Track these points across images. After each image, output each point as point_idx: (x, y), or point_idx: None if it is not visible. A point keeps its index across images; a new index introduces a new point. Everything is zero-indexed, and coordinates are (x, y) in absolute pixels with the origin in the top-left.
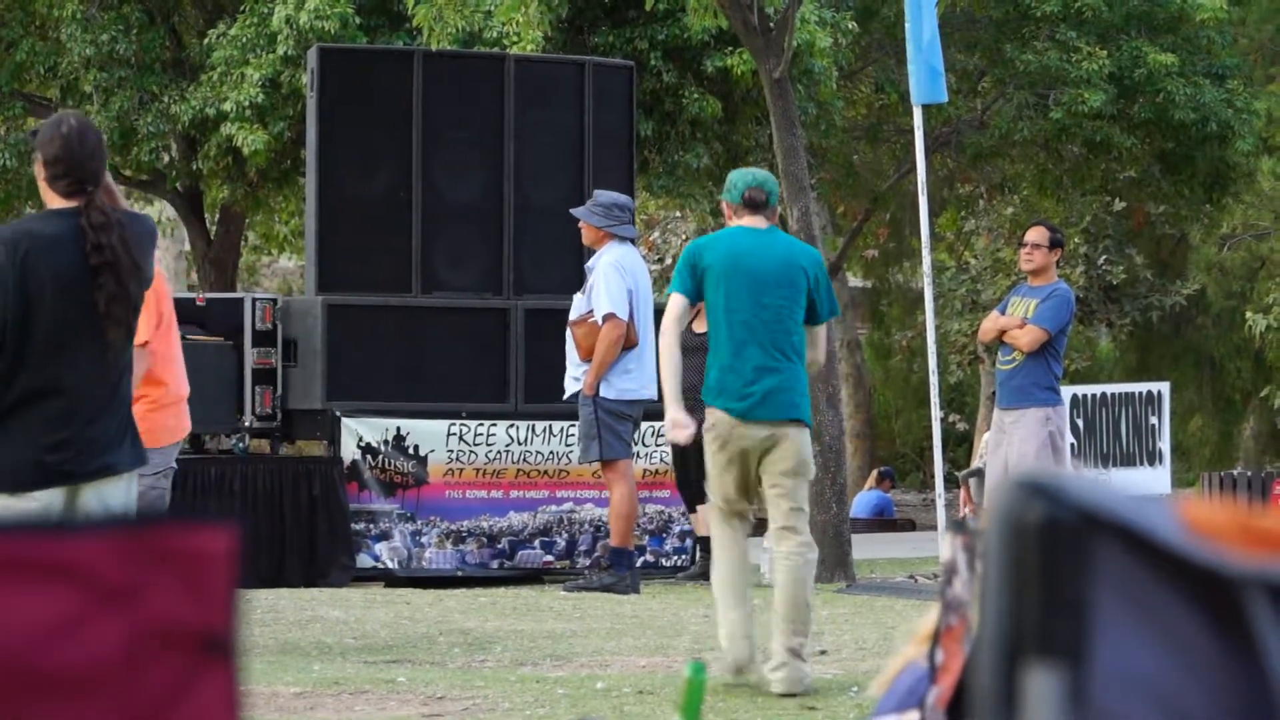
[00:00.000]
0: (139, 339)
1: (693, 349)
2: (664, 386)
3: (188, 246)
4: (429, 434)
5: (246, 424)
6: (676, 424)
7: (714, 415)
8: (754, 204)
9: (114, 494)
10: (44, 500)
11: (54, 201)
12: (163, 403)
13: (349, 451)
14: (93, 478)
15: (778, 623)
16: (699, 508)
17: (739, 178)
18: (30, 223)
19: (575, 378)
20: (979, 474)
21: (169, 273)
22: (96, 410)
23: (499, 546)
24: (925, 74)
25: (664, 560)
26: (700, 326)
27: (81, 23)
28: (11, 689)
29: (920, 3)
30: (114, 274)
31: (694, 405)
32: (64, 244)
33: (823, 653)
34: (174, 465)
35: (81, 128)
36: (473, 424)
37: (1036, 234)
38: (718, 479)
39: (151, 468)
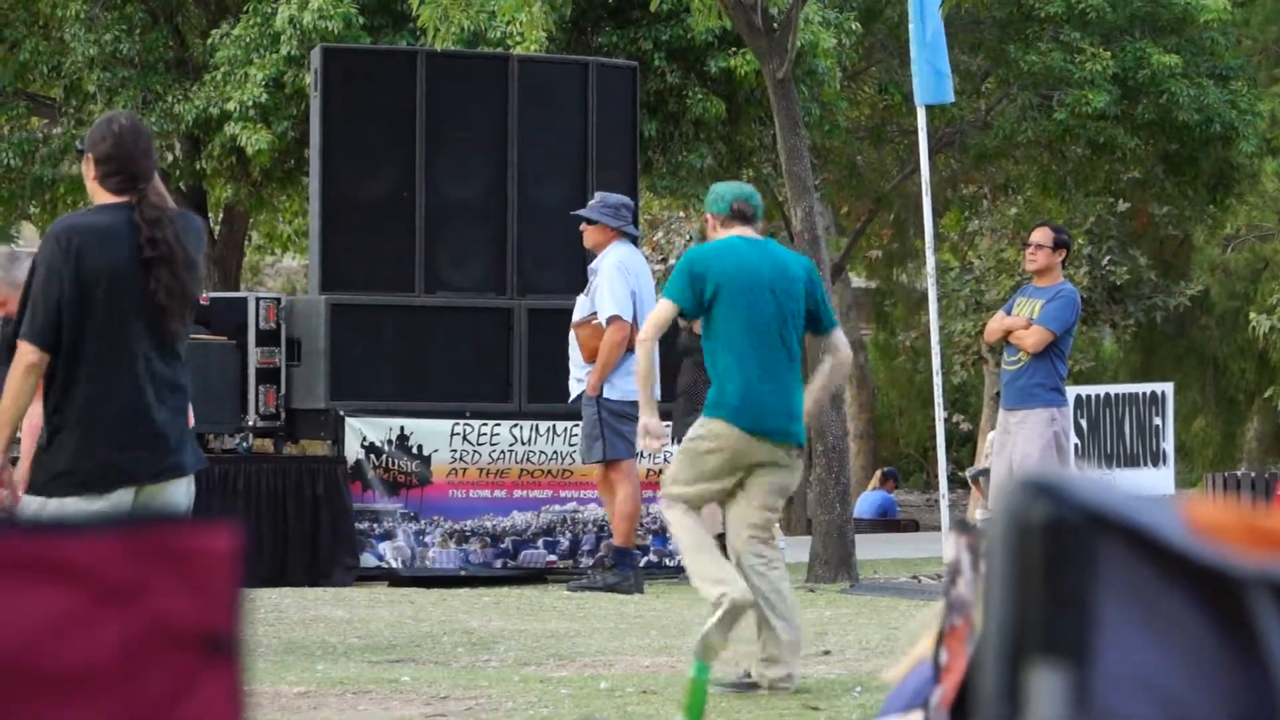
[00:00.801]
0: None
1: (693, 349)
2: (640, 392)
3: None
4: (432, 433)
5: (250, 423)
6: (650, 431)
7: (717, 425)
8: (744, 216)
9: (178, 494)
10: (113, 501)
11: (104, 199)
12: None
13: (353, 451)
14: (161, 478)
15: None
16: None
17: (726, 190)
18: (81, 217)
19: (579, 379)
20: (987, 473)
21: None
22: (160, 408)
23: (502, 546)
24: (930, 75)
25: (667, 560)
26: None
27: (85, 22)
28: (13, 689)
29: (924, 3)
30: (169, 267)
31: (697, 402)
32: (118, 237)
33: (826, 653)
34: None
35: (133, 125)
36: (476, 424)
37: (1041, 234)
38: (703, 485)
39: None
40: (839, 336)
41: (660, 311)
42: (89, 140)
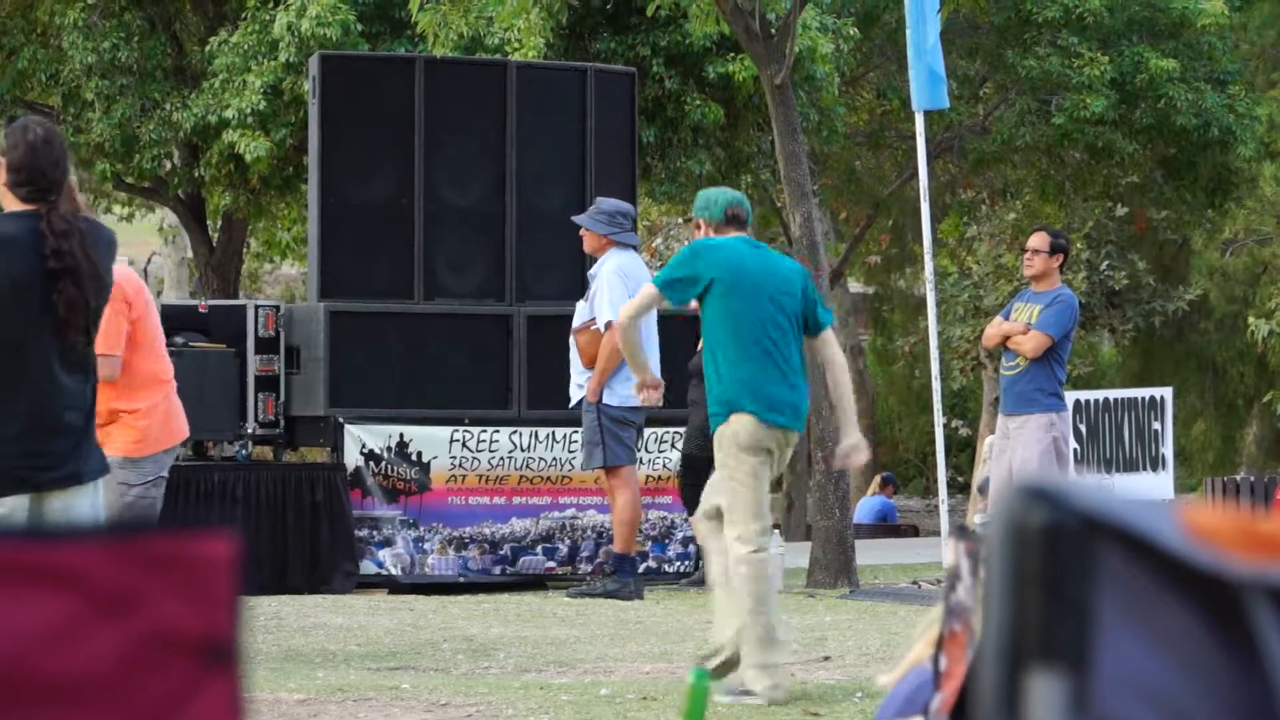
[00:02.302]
0: (106, 349)
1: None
2: (632, 360)
3: (190, 253)
4: (432, 440)
5: (249, 431)
6: (648, 384)
7: (742, 422)
8: (737, 220)
9: (80, 503)
10: (9, 506)
11: (13, 206)
12: (149, 411)
13: (352, 458)
14: (58, 485)
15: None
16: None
17: (718, 196)
18: None
19: (579, 385)
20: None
21: (171, 280)
22: (59, 417)
23: (501, 553)
24: (927, 79)
25: (666, 566)
26: None
27: (83, 30)
28: (10, 698)
29: (922, 8)
30: (73, 279)
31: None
32: (21, 246)
33: (826, 658)
34: (164, 475)
35: (48, 135)
36: (475, 430)
37: (1037, 239)
38: (751, 492)
39: (140, 475)
40: (828, 336)
41: (646, 297)
42: (4, 145)
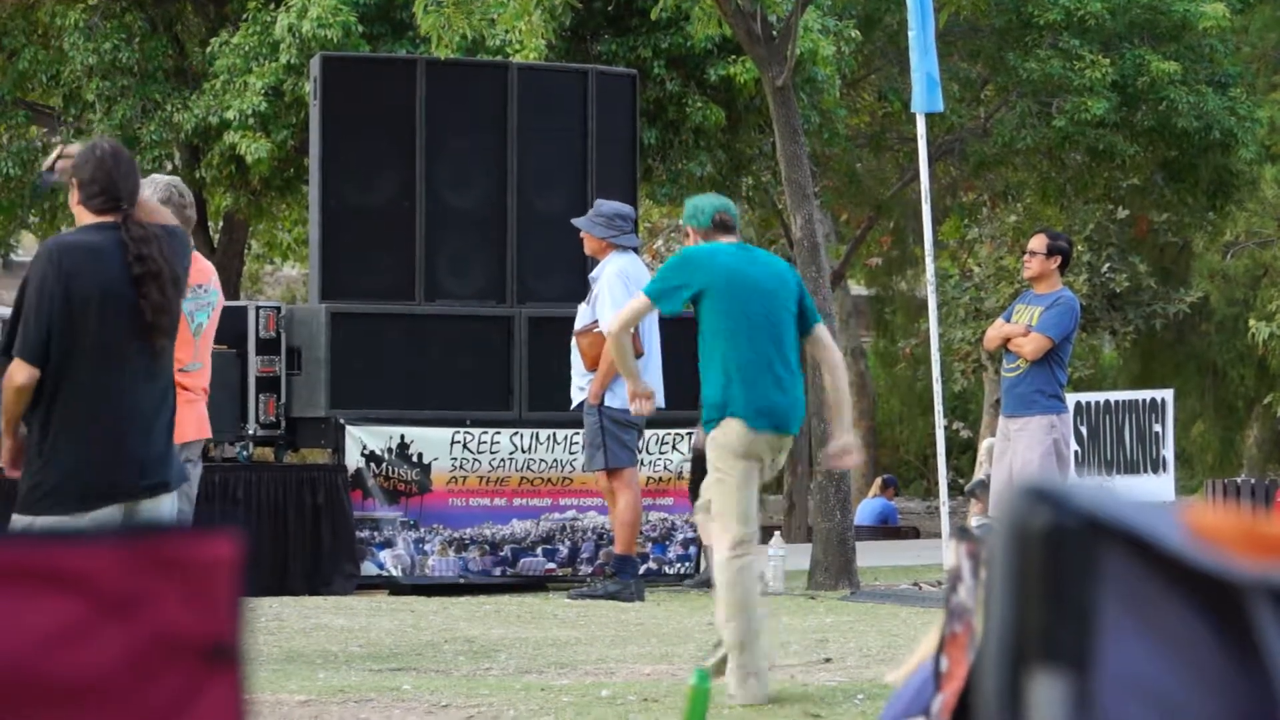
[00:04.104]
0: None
1: None
2: (622, 368)
3: None
4: (433, 442)
5: (250, 432)
6: (640, 393)
7: (732, 427)
8: (726, 226)
9: (165, 510)
10: (102, 519)
11: (88, 220)
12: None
13: (353, 459)
14: (150, 494)
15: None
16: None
17: (705, 203)
18: (69, 236)
19: (581, 387)
20: (985, 484)
21: None
22: (149, 424)
23: (501, 554)
24: (925, 83)
25: (667, 568)
26: None
27: (84, 31)
28: (15, 698)
29: (924, 11)
30: (157, 284)
31: None
32: (107, 255)
33: (827, 660)
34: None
35: (114, 149)
36: (476, 432)
37: (1036, 242)
38: (739, 495)
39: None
40: (823, 336)
41: (636, 307)
42: (73, 166)
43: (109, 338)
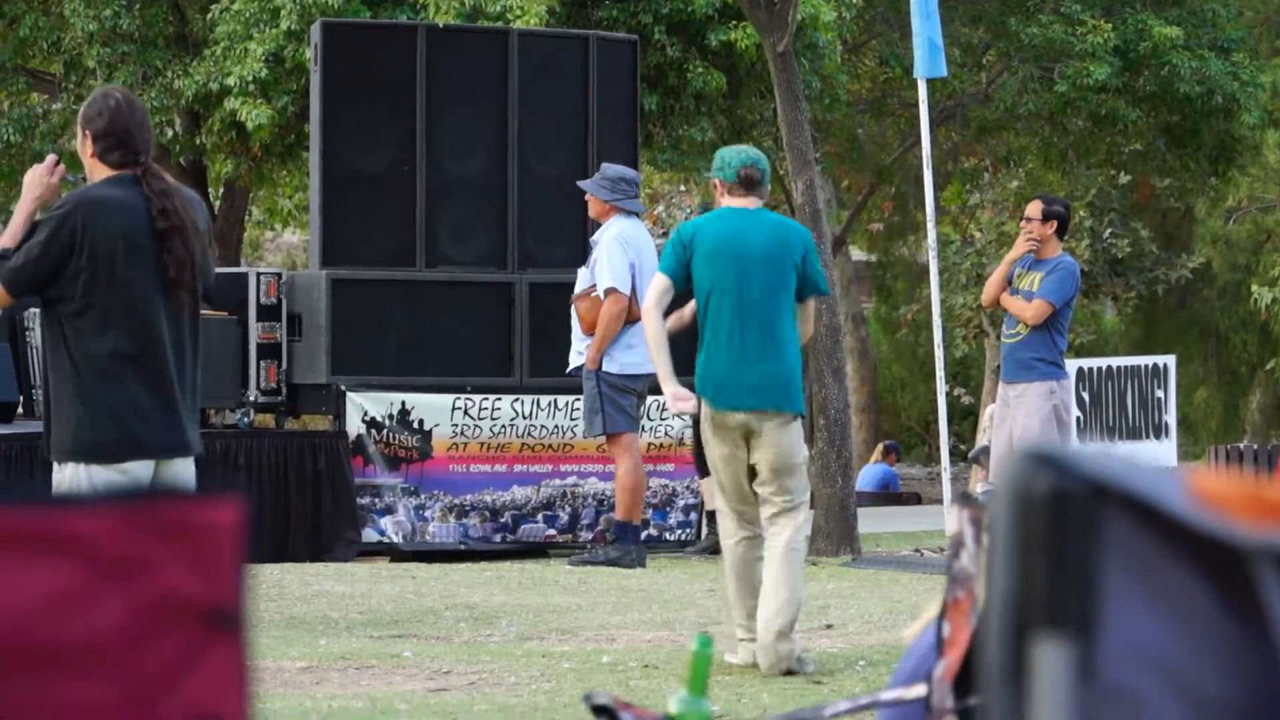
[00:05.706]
0: None
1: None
2: (656, 363)
3: None
4: (433, 408)
5: (251, 398)
6: (678, 398)
7: (703, 404)
8: (749, 182)
9: (186, 473)
10: (134, 473)
11: (104, 174)
12: None
13: (354, 426)
14: (174, 454)
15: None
16: (703, 481)
17: (733, 155)
18: (91, 189)
19: (579, 352)
20: (987, 450)
21: None
22: (175, 382)
23: (501, 520)
24: (927, 48)
25: (668, 534)
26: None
27: None
28: (16, 663)
29: None
30: (181, 238)
31: None
32: (130, 208)
33: (829, 627)
34: None
35: (127, 98)
36: (477, 398)
37: (1031, 207)
38: (722, 474)
39: None
40: (809, 308)
41: (656, 286)
42: (84, 116)
43: (137, 290)
